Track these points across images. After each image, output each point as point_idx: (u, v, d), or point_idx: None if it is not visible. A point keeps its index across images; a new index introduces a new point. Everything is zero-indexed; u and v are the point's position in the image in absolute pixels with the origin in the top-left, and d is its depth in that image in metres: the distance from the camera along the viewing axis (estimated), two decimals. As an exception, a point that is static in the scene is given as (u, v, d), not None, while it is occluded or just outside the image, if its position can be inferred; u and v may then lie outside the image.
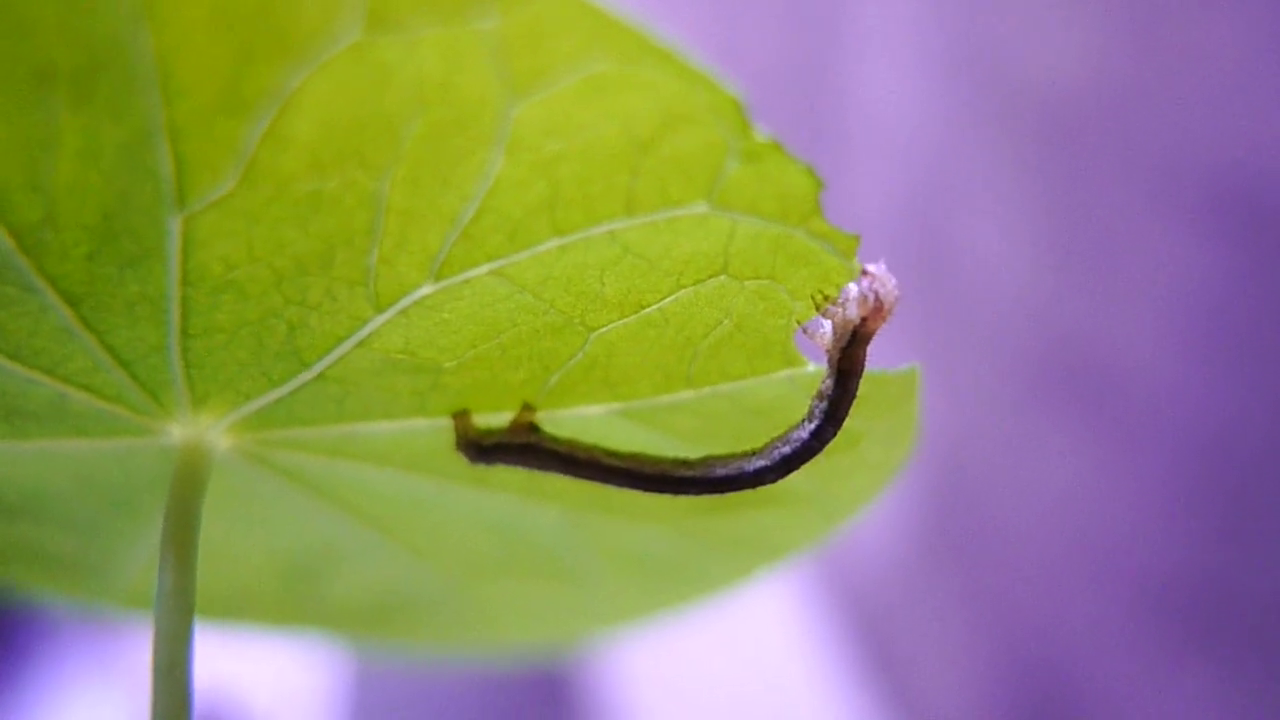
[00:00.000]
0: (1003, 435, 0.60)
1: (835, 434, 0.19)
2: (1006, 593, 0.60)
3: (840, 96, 0.72)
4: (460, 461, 0.21)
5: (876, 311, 0.17)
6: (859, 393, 0.19)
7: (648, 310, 0.18)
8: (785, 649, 0.72)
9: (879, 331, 0.18)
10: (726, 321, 0.19)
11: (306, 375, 0.19)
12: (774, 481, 0.19)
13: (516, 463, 0.20)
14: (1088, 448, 0.54)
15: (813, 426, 0.18)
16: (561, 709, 0.75)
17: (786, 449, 0.19)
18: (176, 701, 0.17)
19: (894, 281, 0.17)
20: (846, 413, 0.18)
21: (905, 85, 0.65)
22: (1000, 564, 0.60)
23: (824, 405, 0.18)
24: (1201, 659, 0.48)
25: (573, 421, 0.20)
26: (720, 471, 0.19)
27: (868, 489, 0.23)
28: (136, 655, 0.73)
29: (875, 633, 0.69)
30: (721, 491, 0.19)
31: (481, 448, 0.20)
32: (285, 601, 0.28)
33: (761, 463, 0.19)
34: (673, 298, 0.18)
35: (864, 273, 0.17)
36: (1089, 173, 0.53)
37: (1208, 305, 0.46)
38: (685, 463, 0.19)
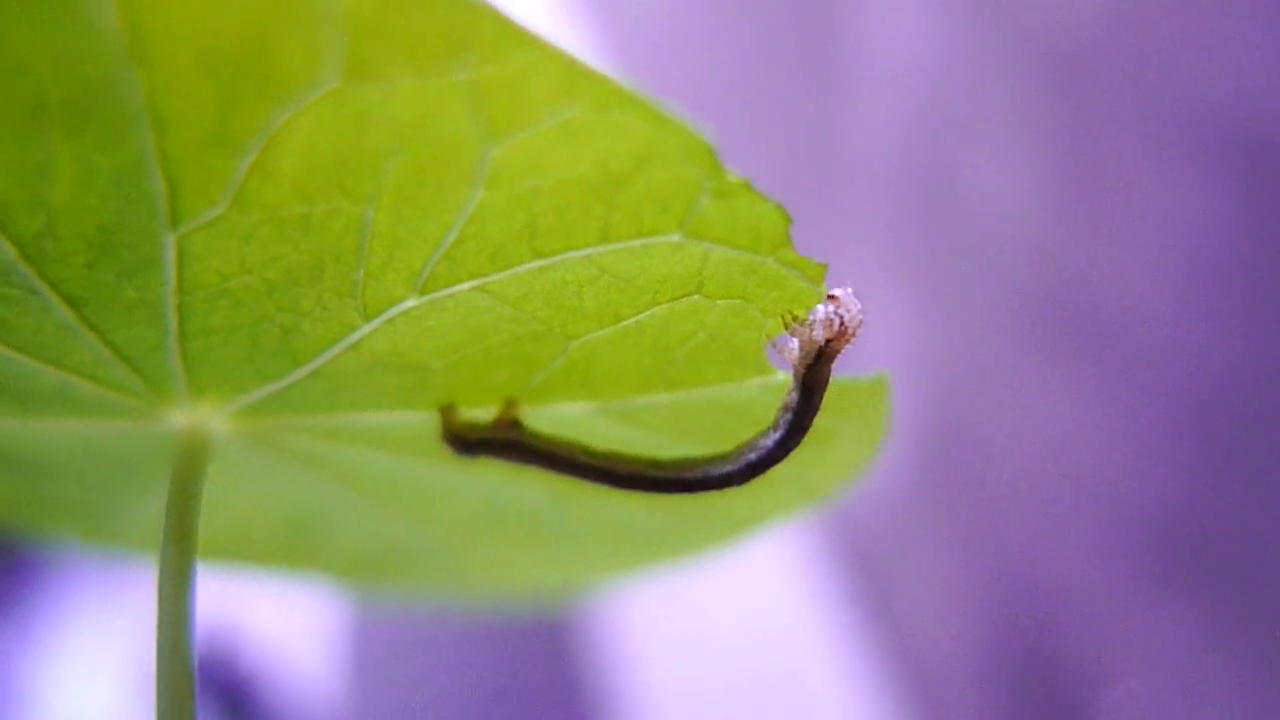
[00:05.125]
0: (1001, 375, 0.61)
1: (799, 443, 0.19)
2: (1003, 534, 0.61)
3: (849, 32, 0.71)
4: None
5: (841, 334, 0.18)
6: (830, 396, 0.20)
7: (625, 322, 0.19)
8: (783, 592, 0.74)
9: (843, 351, 0.18)
10: (701, 333, 0.19)
11: (300, 373, 0.20)
12: (740, 484, 0.20)
13: (500, 457, 0.21)
14: (1086, 389, 0.55)
15: (778, 436, 0.19)
16: (561, 658, 0.78)
17: (753, 456, 0.20)
18: (180, 679, 0.19)
19: (858, 306, 0.18)
20: (810, 423, 0.19)
21: (913, 21, 0.64)
22: (996, 505, 0.61)
23: (789, 416, 0.19)
24: (1195, 600, 0.49)
25: (554, 417, 0.21)
26: (689, 475, 0.20)
27: (839, 478, 0.24)
28: (140, 593, 0.75)
29: (872, 575, 0.71)
30: (692, 492, 0.20)
31: (467, 442, 0.21)
32: (286, 550, 0.29)
33: (728, 468, 0.20)
34: (649, 313, 0.19)
35: (830, 297, 0.18)
36: (1095, 113, 0.53)
37: (1209, 248, 0.46)
38: (658, 464, 0.20)
